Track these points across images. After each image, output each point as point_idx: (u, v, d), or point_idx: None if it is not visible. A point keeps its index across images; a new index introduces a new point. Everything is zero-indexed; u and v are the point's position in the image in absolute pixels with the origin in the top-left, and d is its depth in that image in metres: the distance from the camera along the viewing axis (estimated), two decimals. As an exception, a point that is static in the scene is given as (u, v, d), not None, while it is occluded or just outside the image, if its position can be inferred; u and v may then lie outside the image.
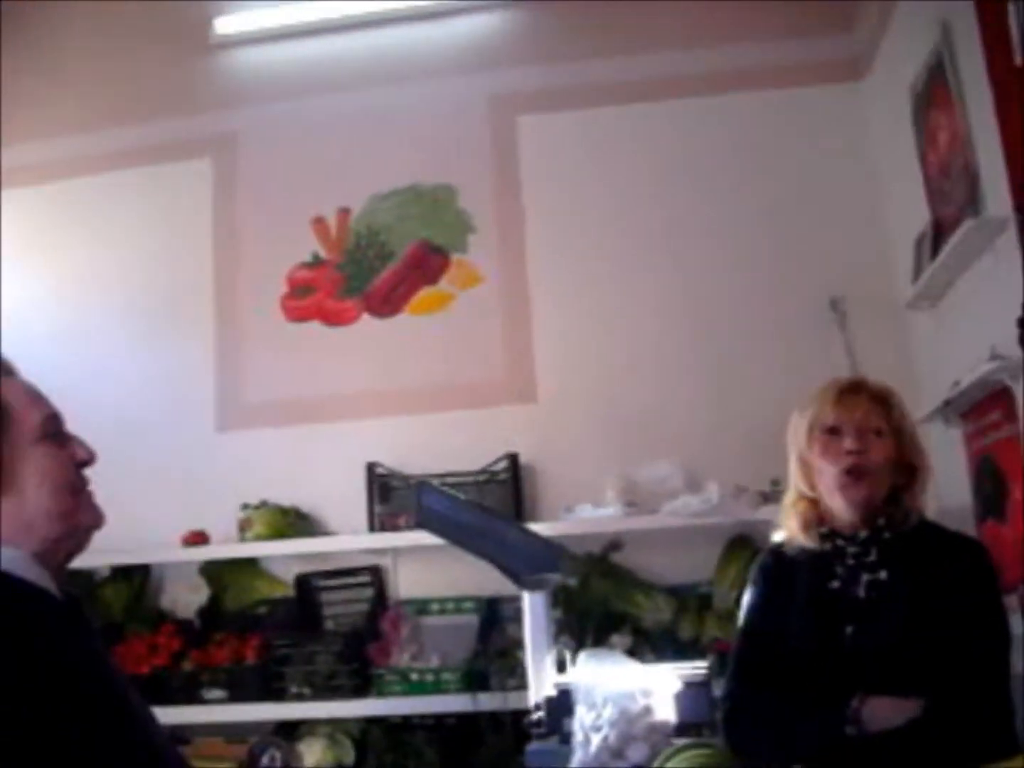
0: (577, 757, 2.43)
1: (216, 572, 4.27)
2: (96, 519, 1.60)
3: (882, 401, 2.33)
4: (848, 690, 2.14)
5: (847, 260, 4.19)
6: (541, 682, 2.82)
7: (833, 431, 2.31)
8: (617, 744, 2.37)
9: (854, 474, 2.26)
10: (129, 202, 4.70)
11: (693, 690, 2.60)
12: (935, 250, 3.54)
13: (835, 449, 2.29)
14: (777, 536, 2.48)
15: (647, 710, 2.44)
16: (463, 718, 3.79)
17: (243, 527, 4.13)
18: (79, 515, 1.56)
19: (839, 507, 2.30)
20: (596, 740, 2.39)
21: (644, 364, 4.23)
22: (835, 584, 2.28)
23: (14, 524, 1.48)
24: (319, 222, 4.55)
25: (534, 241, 4.42)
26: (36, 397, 1.58)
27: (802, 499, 2.39)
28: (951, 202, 3.48)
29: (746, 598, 2.42)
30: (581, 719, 2.48)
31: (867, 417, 2.29)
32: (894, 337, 4.06)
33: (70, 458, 1.57)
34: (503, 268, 4.41)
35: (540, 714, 2.70)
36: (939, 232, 3.56)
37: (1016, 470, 3.16)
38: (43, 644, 1.39)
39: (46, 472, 1.52)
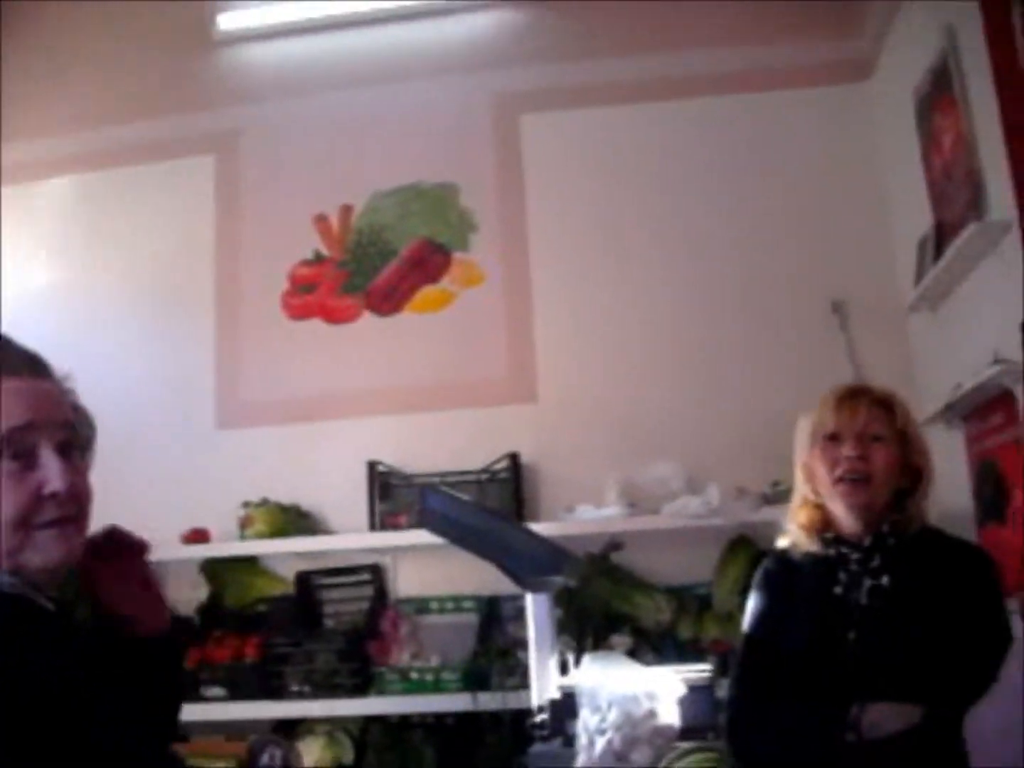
0: (581, 760, 2.43)
1: (216, 570, 4.27)
2: (47, 560, 1.35)
3: (884, 406, 2.33)
4: (850, 696, 2.14)
5: (850, 262, 4.19)
6: (544, 684, 2.81)
7: (833, 437, 2.31)
8: (621, 747, 2.37)
9: (853, 481, 2.26)
10: (132, 199, 4.70)
11: (696, 693, 2.60)
12: (938, 253, 3.54)
13: (834, 455, 2.30)
14: (781, 541, 2.47)
15: (651, 713, 2.44)
16: (463, 717, 3.81)
17: (243, 525, 4.13)
18: (24, 554, 1.33)
19: (840, 513, 2.31)
20: (600, 743, 2.39)
21: (646, 365, 4.23)
22: (838, 590, 2.28)
23: None
24: (321, 219, 4.55)
25: (537, 240, 4.41)
26: (13, 402, 1.35)
27: (806, 504, 2.40)
28: (954, 205, 3.48)
29: (750, 603, 2.42)
30: (585, 722, 2.48)
31: (867, 423, 2.29)
32: (896, 340, 4.06)
33: (33, 486, 1.34)
34: (505, 267, 4.41)
35: (543, 716, 2.70)
36: (942, 235, 3.57)
37: (1017, 474, 3.17)
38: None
39: None
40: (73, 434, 1.43)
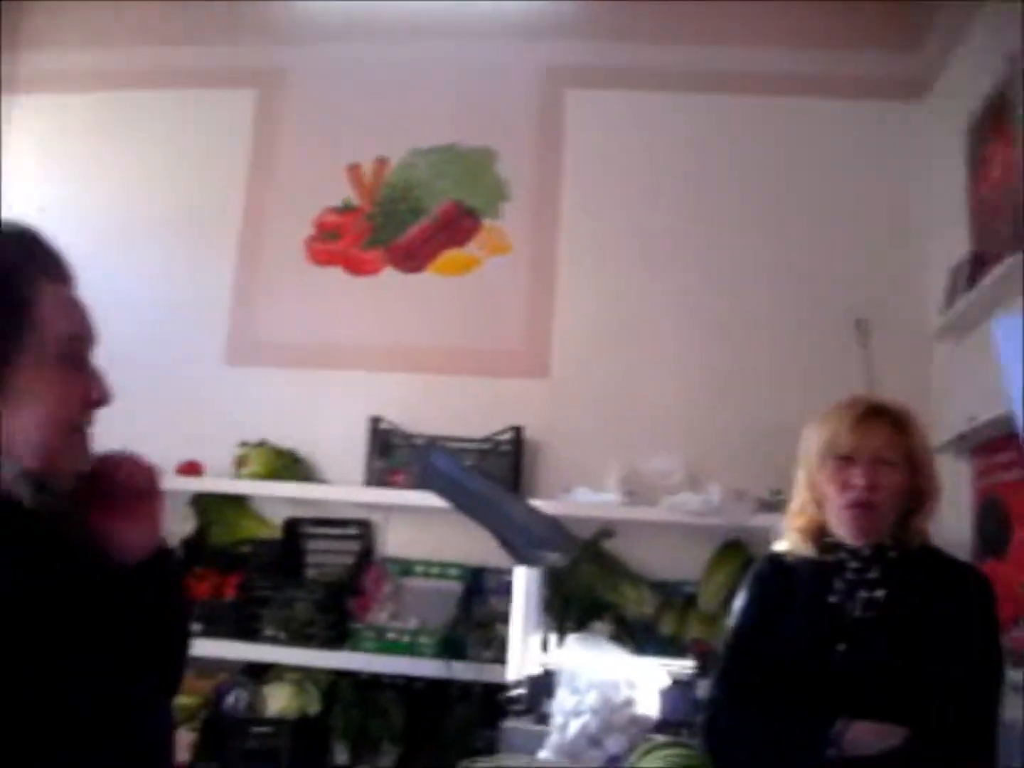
0: (553, 740, 2.41)
1: (206, 505, 4.24)
2: (79, 463, 1.41)
3: (900, 428, 2.28)
4: (834, 709, 2.10)
5: (878, 281, 4.15)
6: (523, 659, 2.79)
7: (846, 459, 2.26)
8: (596, 732, 2.35)
9: (861, 507, 2.22)
10: (171, 121, 4.66)
11: (677, 688, 2.58)
12: (971, 282, 3.51)
13: (845, 478, 2.24)
14: (778, 545, 2.44)
15: (630, 702, 2.42)
16: (434, 683, 3.77)
17: (239, 464, 4.11)
18: (61, 456, 1.38)
19: (844, 535, 2.27)
20: (575, 725, 2.37)
21: (661, 355, 4.20)
22: (832, 598, 2.25)
23: None
24: (355, 168, 4.50)
25: (568, 216, 4.38)
26: (72, 311, 1.42)
27: (807, 510, 2.36)
28: (995, 236, 3.45)
29: (739, 603, 2.38)
30: (562, 702, 2.46)
31: (882, 448, 2.24)
32: (916, 364, 4.02)
33: (81, 392, 1.40)
34: (533, 239, 4.37)
35: (520, 691, 2.68)
36: (977, 264, 3.53)
37: (1021, 512, 3.14)
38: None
39: (46, 398, 1.35)
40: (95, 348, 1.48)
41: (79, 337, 1.42)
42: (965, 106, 3.75)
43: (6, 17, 4.58)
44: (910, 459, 2.26)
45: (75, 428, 1.40)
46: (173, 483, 4.10)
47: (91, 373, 1.43)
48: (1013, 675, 2.88)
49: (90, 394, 1.41)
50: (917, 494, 2.28)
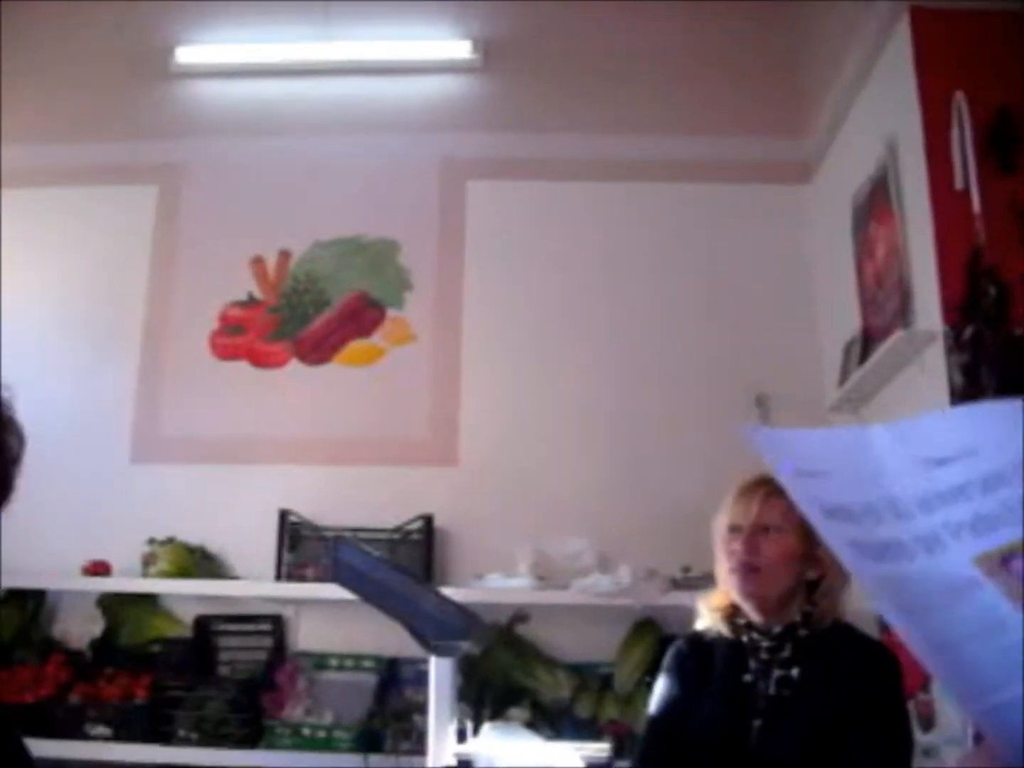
0: (472, 830, 2.40)
1: (114, 605, 4.15)
2: None
3: (781, 493, 2.34)
4: (751, 785, 2.14)
5: (776, 359, 4.26)
6: (441, 750, 2.77)
7: (733, 529, 2.33)
8: (515, 820, 2.35)
9: (740, 572, 2.28)
10: (70, 219, 4.62)
11: (594, 771, 2.59)
12: (863, 357, 3.62)
13: (731, 547, 2.32)
14: (698, 624, 2.48)
15: (547, 788, 2.42)
16: (352, 778, 3.73)
17: (147, 562, 4.04)
18: None
19: (739, 603, 2.33)
20: (494, 815, 2.37)
21: (567, 440, 4.25)
22: (747, 677, 2.29)
23: None
24: (258, 262, 4.52)
25: (471, 306, 4.43)
26: None
27: (719, 591, 2.42)
28: (882, 312, 3.57)
29: (659, 683, 2.41)
30: (479, 792, 2.46)
31: (760, 514, 2.30)
32: (815, 437, 4.11)
33: None
34: (437, 329, 4.42)
35: (437, 783, 2.66)
36: (868, 340, 3.65)
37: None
38: None
39: None
40: None
41: None
42: (850, 188, 3.90)
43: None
44: (794, 524, 2.29)
45: None
46: (79, 583, 4.05)
47: None
48: (923, 739, 2.94)
49: None
50: (814, 563, 2.32)
